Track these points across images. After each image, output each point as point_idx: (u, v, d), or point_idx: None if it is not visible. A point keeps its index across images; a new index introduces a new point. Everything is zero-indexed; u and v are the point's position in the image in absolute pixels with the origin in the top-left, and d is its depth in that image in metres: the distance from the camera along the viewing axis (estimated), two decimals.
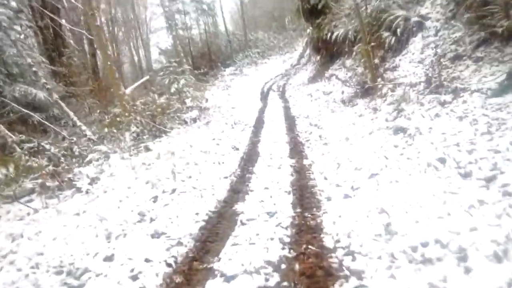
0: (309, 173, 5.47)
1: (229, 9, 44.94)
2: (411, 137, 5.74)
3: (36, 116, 11.17)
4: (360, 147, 6.23)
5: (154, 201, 4.88)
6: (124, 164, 6.89)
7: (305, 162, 6.13)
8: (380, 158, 5.32)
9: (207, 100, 13.30)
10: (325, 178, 5.01)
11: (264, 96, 18.09)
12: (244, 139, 8.97)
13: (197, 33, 38.07)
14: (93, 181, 6.18)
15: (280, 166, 5.99)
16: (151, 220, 4.25)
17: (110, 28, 34.05)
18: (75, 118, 11.86)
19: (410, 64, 9.44)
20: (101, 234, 3.93)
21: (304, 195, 4.57)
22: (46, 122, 11.49)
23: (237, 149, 7.96)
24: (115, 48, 36.59)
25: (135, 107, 10.01)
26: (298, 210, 4.11)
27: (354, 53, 12.85)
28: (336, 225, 3.52)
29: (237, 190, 5.15)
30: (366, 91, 10.09)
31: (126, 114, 9.71)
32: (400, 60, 10.04)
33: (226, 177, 5.76)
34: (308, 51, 25.06)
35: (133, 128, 9.31)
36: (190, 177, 5.86)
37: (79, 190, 5.83)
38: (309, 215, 3.90)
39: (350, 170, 5.11)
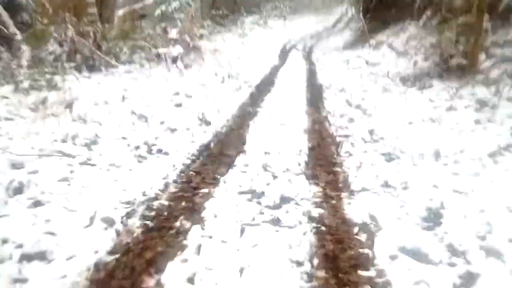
0: (366, 274, 1.61)
1: None
2: None
3: None
4: (480, 188, 2.38)
5: None
6: None
7: (347, 204, 2.26)
8: None
9: (201, 36, 9.22)
10: None
11: (285, 53, 14.07)
12: (232, 105, 5.08)
13: None
14: None
15: (284, 215, 2.13)
16: None
17: None
18: (9, 22, 8.11)
19: None
20: None
21: None
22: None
23: (208, 123, 4.11)
24: None
25: (66, 16, 5.90)
26: None
27: (425, 16, 8.81)
28: None
29: None
30: (449, 69, 6.14)
31: (45, 21, 5.75)
32: None
33: (106, 228, 1.94)
34: (350, 13, 20.45)
35: (52, 47, 5.43)
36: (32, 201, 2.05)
37: None
38: None
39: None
